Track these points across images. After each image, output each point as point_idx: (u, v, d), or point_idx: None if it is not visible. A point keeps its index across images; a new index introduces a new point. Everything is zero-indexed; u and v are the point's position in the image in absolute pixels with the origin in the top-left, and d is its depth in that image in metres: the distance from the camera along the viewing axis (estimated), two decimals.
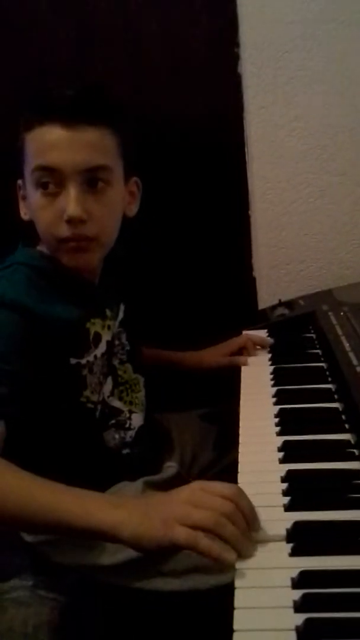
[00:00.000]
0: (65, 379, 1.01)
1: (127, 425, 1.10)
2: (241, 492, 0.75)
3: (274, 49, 1.50)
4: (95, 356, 1.05)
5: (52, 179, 0.97)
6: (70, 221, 0.98)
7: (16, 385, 0.89)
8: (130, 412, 1.12)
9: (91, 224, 0.99)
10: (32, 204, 1.01)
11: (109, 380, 1.09)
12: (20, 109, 1.02)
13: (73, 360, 1.01)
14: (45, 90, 1.04)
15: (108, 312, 1.11)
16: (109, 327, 1.10)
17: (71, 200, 0.97)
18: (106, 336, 1.09)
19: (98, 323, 1.07)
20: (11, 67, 1.55)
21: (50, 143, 0.97)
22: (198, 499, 0.72)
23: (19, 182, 1.05)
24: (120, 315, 1.15)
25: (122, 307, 1.16)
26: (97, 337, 1.06)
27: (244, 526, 0.72)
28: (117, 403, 1.10)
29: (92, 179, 0.99)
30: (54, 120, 0.96)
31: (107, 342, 1.09)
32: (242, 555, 0.70)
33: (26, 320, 0.94)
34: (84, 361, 1.03)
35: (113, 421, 1.08)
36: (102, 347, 1.07)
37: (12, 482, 0.80)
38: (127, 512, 0.74)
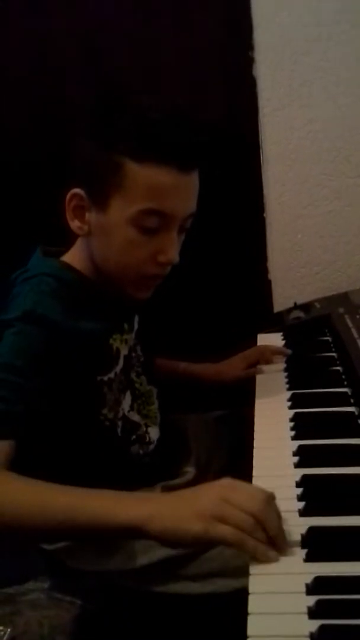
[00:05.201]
0: (86, 397, 0.99)
1: (147, 440, 1.09)
2: (271, 496, 0.74)
3: (288, 51, 1.50)
4: (115, 373, 1.03)
5: (158, 222, 0.95)
6: (164, 263, 0.98)
7: (32, 403, 0.88)
8: (147, 425, 1.10)
9: (170, 266, 1.00)
10: (120, 237, 0.95)
11: (128, 394, 1.07)
12: (111, 126, 0.94)
13: (98, 378, 1.00)
14: (154, 119, 0.93)
15: (125, 326, 1.09)
16: (126, 342, 1.08)
17: (174, 247, 0.97)
18: (124, 351, 1.07)
19: (118, 338, 1.06)
20: (16, 67, 1.56)
21: (167, 188, 0.93)
22: (230, 497, 0.72)
23: (79, 192, 0.97)
24: (135, 326, 1.13)
25: (136, 318, 1.14)
26: (117, 353, 1.05)
27: (274, 532, 0.71)
28: (136, 417, 1.08)
29: (185, 223, 0.99)
30: (172, 164, 0.92)
31: (125, 356, 1.07)
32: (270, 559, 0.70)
33: (53, 336, 0.92)
34: (106, 378, 1.01)
35: (134, 436, 1.07)
36: (120, 363, 1.05)
37: (31, 494, 0.79)
38: (157, 506, 0.74)
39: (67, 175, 0.99)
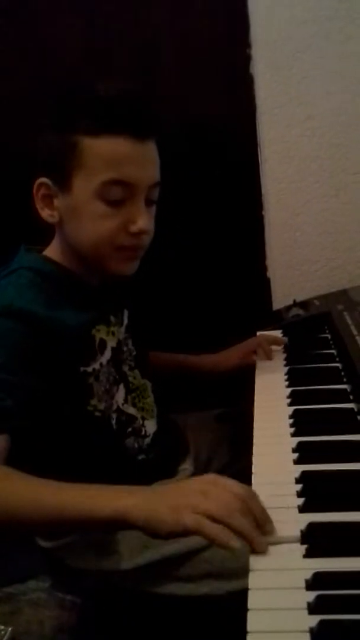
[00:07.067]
0: (72, 388, 0.99)
1: (143, 433, 1.09)
2: (253, 494, 0.75)
3: (286, 48, 1.50)
4: (101, 364, 1.03)
5: (122, 193, 0.97)
6: (136, 233, 0.99)
7: (21, 397, 0.88)
8: (143, 418, 1.10)
9: (146, 236, 1.01)
10: (88, 212, 0.98)
11: (121, 387, 1.08)
12: (64, 110, 0.99)
13: (81, 369, 1.00)
14: (105, 96, 0.97)
15: (112, 318, 1.10)
16: (113, 334, 1.08)
17: (143, 214, 0.99)
18: (111, 342, 1.07)
19: (103, 329, 1.06)
20: (16, 63, 1.56)
21: (124, 156, 0.96)
22: (209, 490, 0.73)
23: (44, 180, 1.00)
24: (125, 320, 1.14)
25: (126, 313, 1.15)
26: (102, 344, 1.05)
27: (254, 523, 0.72)
28: (131, 410, 1.09)
29: (151, 194, 1.01)
30: (125, 133, 0.95)
31: (112, 348, 1.07)
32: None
33: (33, 329, 0.93)
34: (90, 369, 1.01)
35: (130, 429, 1.07)
36: (107, 354, 1.05)
37: (20, 487, 0.80)
38: (138, 497, 0.75)
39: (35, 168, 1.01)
